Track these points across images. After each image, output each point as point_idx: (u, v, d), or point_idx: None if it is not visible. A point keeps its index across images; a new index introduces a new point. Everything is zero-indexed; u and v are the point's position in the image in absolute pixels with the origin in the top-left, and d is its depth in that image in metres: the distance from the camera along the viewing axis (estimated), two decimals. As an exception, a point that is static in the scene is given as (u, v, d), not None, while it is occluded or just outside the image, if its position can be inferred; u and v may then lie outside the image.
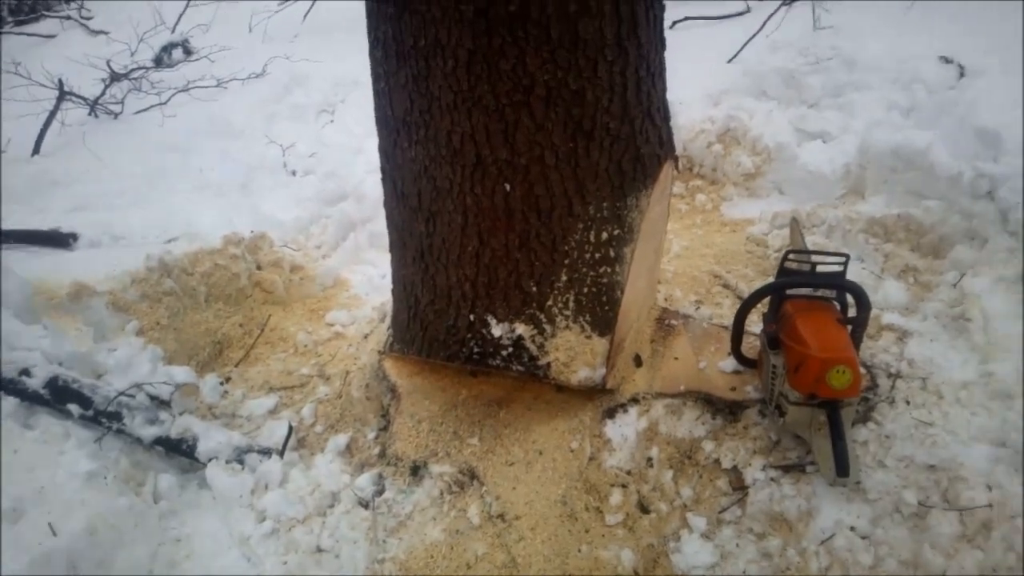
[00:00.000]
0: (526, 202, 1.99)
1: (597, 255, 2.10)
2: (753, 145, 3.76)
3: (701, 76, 4.51)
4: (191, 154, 5.20)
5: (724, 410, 2.35)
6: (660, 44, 2.05)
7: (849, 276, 2.99)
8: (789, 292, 2.26)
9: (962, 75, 3.82)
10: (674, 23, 5.74)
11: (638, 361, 2.49)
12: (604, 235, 2.09)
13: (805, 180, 3.57)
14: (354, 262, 3.76)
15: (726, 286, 3.16)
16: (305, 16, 7.24)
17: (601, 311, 2.18)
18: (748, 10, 5.58)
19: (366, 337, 3.06)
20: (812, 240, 3.24)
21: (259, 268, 3.47)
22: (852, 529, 1.99)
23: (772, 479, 2.15)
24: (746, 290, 3.03)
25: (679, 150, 3.96)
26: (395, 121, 2.05)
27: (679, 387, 2.40)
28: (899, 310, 2.72)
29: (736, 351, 2.38)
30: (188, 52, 7.25)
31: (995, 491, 1.96)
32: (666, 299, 2.98)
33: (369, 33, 2.03)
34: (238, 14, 7.72)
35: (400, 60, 1.93)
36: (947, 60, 3.96)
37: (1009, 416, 2.11)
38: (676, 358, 2.53)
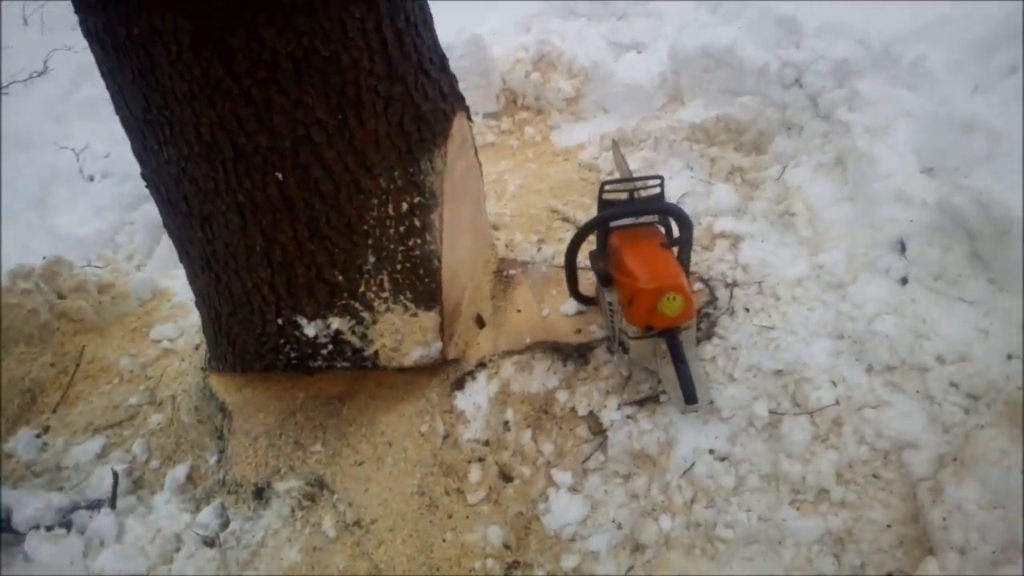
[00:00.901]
0: (305, 188, 1.78)
1: (402, 228, 1.93)
2: (570, 68, 3.63)
3: (509, 3, 4.32)
4: (-23, 176, 4.60)
5: (573, 355, 2.26)
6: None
7: (681, 187, 3.01)
8: (612, 224, 2.17)
9: (759, -39, 3.79)
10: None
11: (480, 322, 2.37)
12: (404, 206, 1.91)
13: (626, 94, 3.49)
14: (172, 266, 3.40)
15: (565, 219, 3.06)
16: (80, -3, 6.49)
17: (421, 284, 2.02)
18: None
19: (197, 348, 2.78)
20: (641, 155, 3.18)
21: (61, 297, 3.08)
22: (711, 452, 1.97)
23: (629, 417, 2.09)
24: (584, 220, 2.95)
25: (499, 85, 3.80)
26: (136, 121, 1.78)
27: (525, 341, 2.29)
28: (732, 213, 2.70)
29: (574, 292, 2.29)
30: (-44, 58, 6.39)
31: (840, 386, 1.98)
32: (507, 245, 2.86)
33: (80, 27, 1.72)
34: (8, 8, 6.86)
35: (119, 54, 1.65)
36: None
37: (843, 307, 2.12)
38: (519, 310, 2.42)
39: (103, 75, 1.79)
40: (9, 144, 4.89)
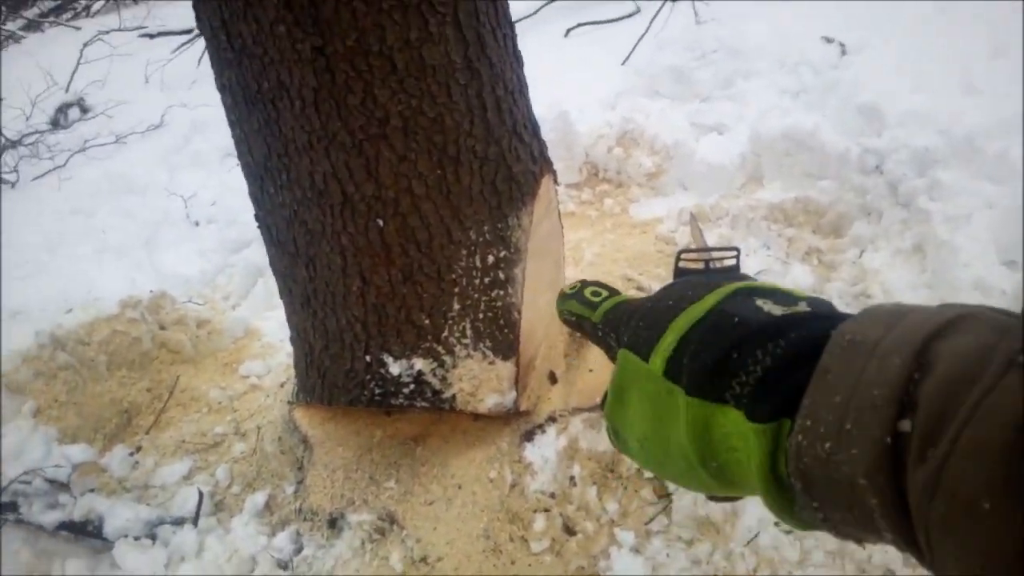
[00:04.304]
0: (402, 235, 1.92)
1: (487, 279, 2.05)
2: (651, 145, 3.77)
3: (597, 81, 4.54)
4: (92, 216, 5.01)
5: (641, 417, 2.31)
6: (516, 61, 2.01)
7: (757, 264, 3.07)
8: (688, 292, 2.24)
9: (844, 53, 3.91)
10: (568, 30, 5.79)
11: (553, 378, 2.45)
12: (490, 258, 2.04)
13: (705, 173, 3.59)
14: (265, 308, 3.64)
15: (640, 288, 3.14)
16: (200, 60, 7.09)
17: (501, 335, 2.13)
18: (638, 10, 5.64)
19: (282, 386, 2.95)
20: (719, 232, 3.26)
21: (162, 328, 3.32)
22: (777, 524, 1.97)
23: (693, 482, 2.12)
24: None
25: (581, 158, 3.97)
26: (257, 167, 1.97)
27: (596, 400, 2.36)
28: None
29: (646, 357, 2.35)
30: (84, 110, 7.02)
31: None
32: (581, 309, 2.95)
33: (216, 80, 1.95)
34: (132, 67, 7.53)
35: (248, 105, 1.85)
36: (829, 40, 4.06)
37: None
38: (591, 370, 2.49)
39: (231, 124, 2.00)
40: (122, 188, 5.34)
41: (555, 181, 2.28)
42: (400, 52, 1.75)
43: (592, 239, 3.66)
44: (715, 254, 2.33)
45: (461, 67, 1.82)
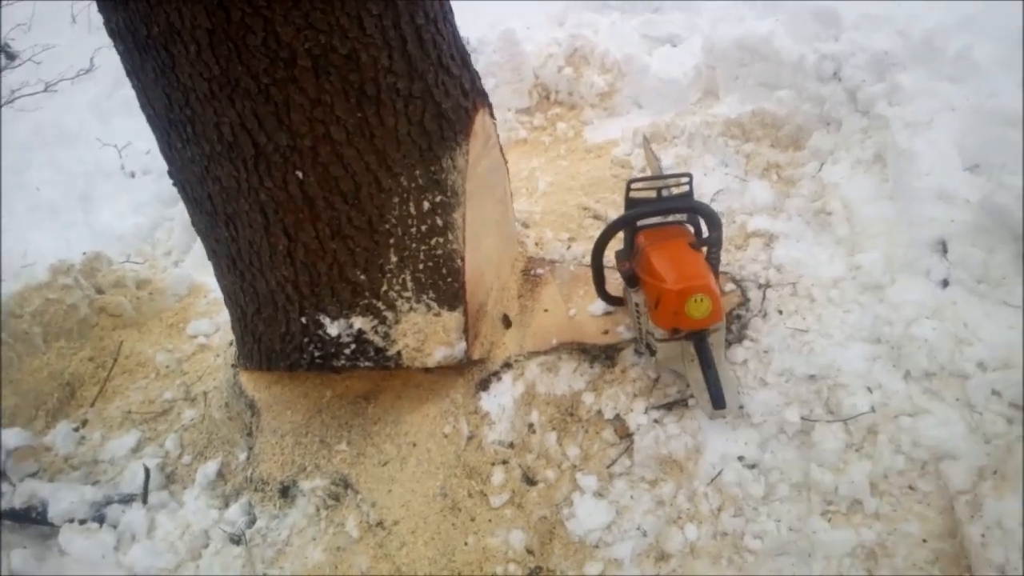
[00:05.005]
0: (325, 186, 1.77)
1: (424, 227, 1.91)
2: (602, 62, 3.57)
3: (544, -3, 4.28)
4: (23, 172, 4.72)
5: (600, 356, 2.23)
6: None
7: (716, 184, 2.94)
8: (640, 223, 2.12)
9: (800, -50, 3.69)
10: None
11: (506, 322, 2.34)
12: (426, 204, 1.89)
13: (659, 89, 3.42)
14: (208, 263, 3.47)
15: (596, 217, 3.02)
16: (125, -3, 6.62)
17: (444, 284, 2.00)
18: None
19: (231, 344, 2.81)
20: (675, 152, 3.12)
21: (100, 292, 3.15)
22: (740, 459, 1.91)
23: (656, 421, 2.05)
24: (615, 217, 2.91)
25: (531, 80, 3.76)
26: (160, 120, 1.79)
27: (551, 341, 2.26)
28: (767, 211, 2.63)
29: (601, 292, 2.25)
30: (11, 57, 6.57)
31: (876, 392, 1.90)
32: (537, 243, 2.83)
33: (104, 25, 1.74)
34: (58, 7, 7.03)
35: (142, 52, 1.66)
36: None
37: (880, 310, 2.05)
38: (546, 310, 2.39)
39: (127, 74, 1.81)
40: (53, 140, 5.03)
41: (491, 114, 2.12)
42: (301, -18, 1.56)
43: (546, 167, 3.50)
44: (668, 181, 2.20)
45: (372, -6, 1.64)
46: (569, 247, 2.80)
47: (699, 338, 1.92)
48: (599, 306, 2.32)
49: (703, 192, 2.85)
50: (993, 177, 2.18)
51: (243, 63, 1.60)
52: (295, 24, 1.58)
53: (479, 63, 3.86)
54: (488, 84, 3.74)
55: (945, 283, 2.06)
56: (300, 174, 1.74)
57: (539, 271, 2.52)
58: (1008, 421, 1.73)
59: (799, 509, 1.77)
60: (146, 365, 2.97)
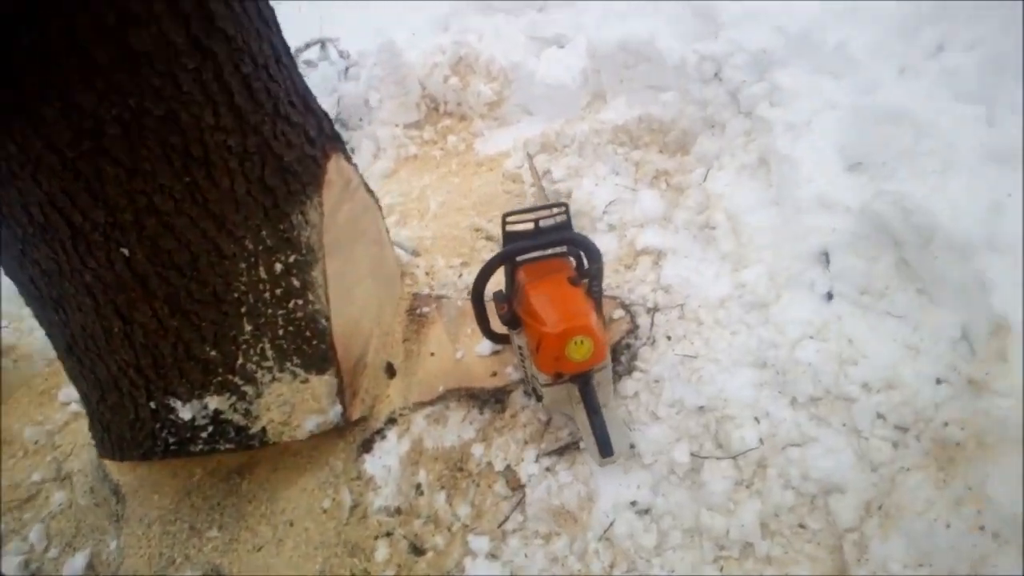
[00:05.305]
0: (156, 261, 1.60)
1: (278, 291, 1.76)
2: (488, 70, 3.45)
3: (427, 1, 4.11)
4: None
5: (489, 401, 2.12)
6: (265, 25, 1.65)
7: (607, 194, 2.85)
8: (519, 258, 2.01)
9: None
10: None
11: (391, 371, 2.21)
12: (278, 266, 1.74)
13: (548, 95, 3.31)
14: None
15: (489, 238, 2.91)
16: None
17: (309, 347, 1.86)
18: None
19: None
20: (566, 161, 3.01)
21: (-42, 363, 2.88)
22: (633, 504, 1.83)
23: (548, 469, 1.96)
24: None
25: (418, 92, 3.61)
26: (-38, 203, 1.58)
27: (439, 389, 2.14)
28: (657, 223, 2.55)
29: (486, 331, 2.12)
30: None
31: (763, 422, 1.84)
32: (428, 272, 2.70)
33: None
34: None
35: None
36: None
37: (765, 332, 1.99)
38: (432, 353, 2.26)
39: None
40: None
41: (347, 158, 1.96)
42: (98, 43, 1.38)
43: (437, 185, 3.36)
44: (543, 212, 2.08)
45: (185, 49, 1.46)
46: (461, 275, 2.69)
47: (583, 381, 1.82)
48: (486, 346, 2.20)
49: (595, 203, 2.76)
50: (873, 179, 2.13)
51: (42, 138, 1.42)
52: (96, 90, 1.40)
53: (360, 78, 3.69)
54: (373, 99, 3.59)
55: (829, 296, 2.02)
56: (126, 251, 1.57)
57: (425, 309, 2.39)
58: (893, 445, 1.69)
59: (692, 557, 1.70)
60: (13, 442, 2.72)
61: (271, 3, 1.72)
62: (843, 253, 2.02)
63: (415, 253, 2.84)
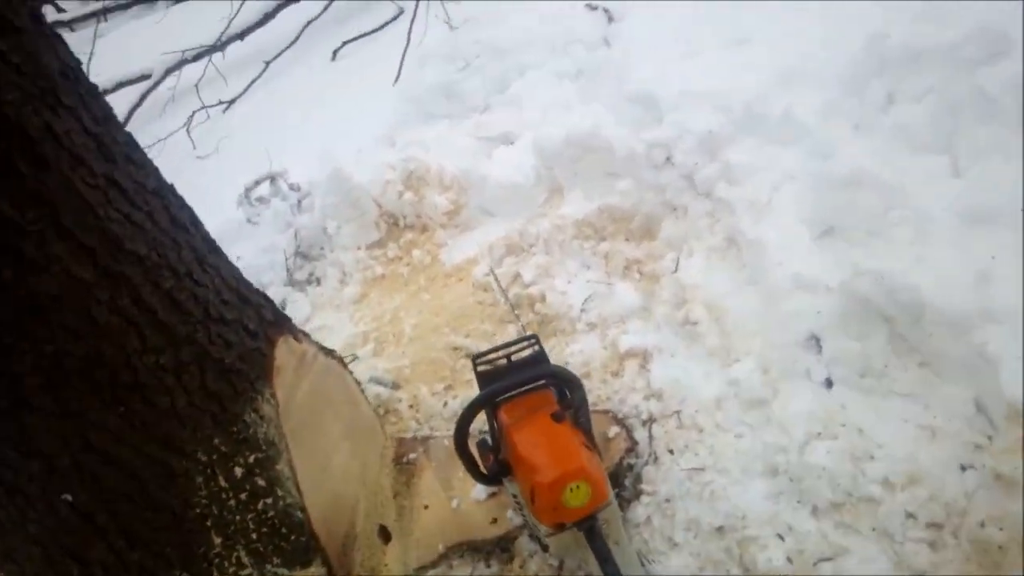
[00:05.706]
0: (103, 498, 1.48)
1: (243, 495, 1.63)
2: (440, 180, 3.39)
3: (370, 113, 4.10)
4: None
5: (494, 551, 1.97)
6: (184, 230, 1.57)
7: (582, 291, 2.75)
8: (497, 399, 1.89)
9: (611, 20, 3.62)
10: (335, 53, 5.30)
11: (385, 535, 2.07)
12: (238, 470, 1.62)
13: (505, 196, 3.24)
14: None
15: (469, 355, 2.79)
16: None
17: (289, 543, 1.72)
18: (401, 12, 5.19)
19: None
20: (535, 261, 2.92)
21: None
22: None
23: (568, 623, 1.80)
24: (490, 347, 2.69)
25: (375, 212, 3.54)
26: None
27: (438, 548, 2.00)
28: (637, 316, 2.46)
29: (477, 477, 1.99)
30: None
31: (788, 538, 1.70)
32: (411, 405, 2.59)
33: None
34: None
35: None
36: (592, 7, 3.76)
37: (769, 434, 1.86)
38: (426, 506, 2.12)
39: None
40: None
41: (295, 336, 1.86)
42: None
43: (408, 304, 3.26)
44: (513, 348, 1.97)
45: (96, 281, 1.37)
46: (446, 402, 2.57)
47: (587, 527, 1.69)
48: (481, 489, 2.07)
49: (571, 303, 2.67)
50: (846, 250, 2.05)
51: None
52: (5, 344, 1.30)
53: (315, 208, 3.63)
54: (331, 227, 3.52)
55: (829, 383, 1.91)
56: (68, 496, 1.45)
57: (412, 456, 2.27)
58: (931, 547, 1.55)
59: None
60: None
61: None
62: (833, 335, 1.92)
63: (395, 386, 2.73)
